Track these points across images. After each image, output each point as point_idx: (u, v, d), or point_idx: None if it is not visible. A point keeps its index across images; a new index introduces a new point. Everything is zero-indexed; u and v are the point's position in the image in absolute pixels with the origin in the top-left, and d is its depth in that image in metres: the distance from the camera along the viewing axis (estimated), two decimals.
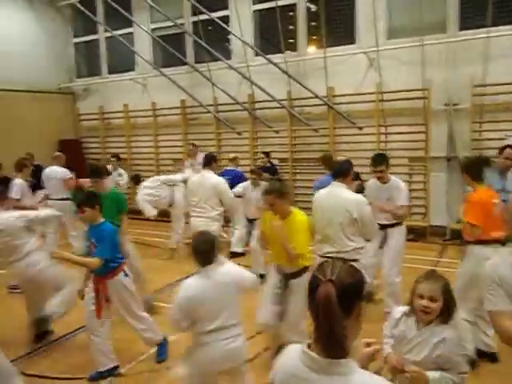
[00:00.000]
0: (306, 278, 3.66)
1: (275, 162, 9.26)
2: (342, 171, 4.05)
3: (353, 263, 1.65)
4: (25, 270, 4.38)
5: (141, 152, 11.42)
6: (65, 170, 7.79)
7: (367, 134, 8.45)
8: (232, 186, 6.83)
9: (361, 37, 8.61)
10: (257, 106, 9.70)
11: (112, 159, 8.87)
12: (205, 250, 2.93)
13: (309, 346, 1.44)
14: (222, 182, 5.83)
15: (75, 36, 12.47)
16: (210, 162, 5.90)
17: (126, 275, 4.02)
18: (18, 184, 6.53)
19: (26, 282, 4.53)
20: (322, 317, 1.37)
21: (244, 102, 9.57)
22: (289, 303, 3.87)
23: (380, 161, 4.90)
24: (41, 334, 4.69)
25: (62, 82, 12.26)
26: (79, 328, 4.75)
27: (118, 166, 8.67)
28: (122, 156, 9.50)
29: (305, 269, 3.78)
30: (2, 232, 4.22)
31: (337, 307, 1.35)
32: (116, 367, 4.01)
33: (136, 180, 7.98)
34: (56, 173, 7.69)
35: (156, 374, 4.10)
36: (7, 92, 10.60)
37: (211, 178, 5.77)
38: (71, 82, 12.46)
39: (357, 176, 5.61)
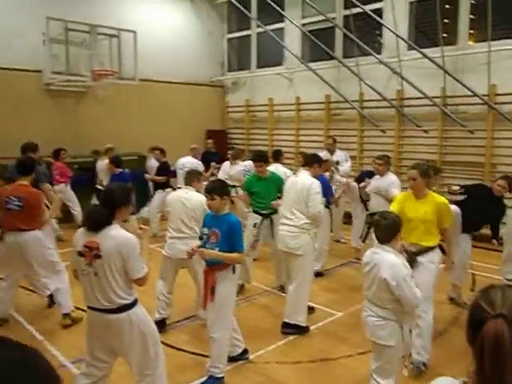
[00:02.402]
0: (432, 256, 3.95)
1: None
2: None
3: None
4: None
5: (282, 145, 11.56)
6: (197, 162, 8.23)
7: None
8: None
9: None
10: (405, 103, 9.18)
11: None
12: None
13: None
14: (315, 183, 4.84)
15: (229, 32, 13.13)
16: (313, 161, 5.09)
17: (234, 272, 3.74)
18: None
19: None
20: (490, 361, 1.10)
21: (392, 99, 9.12)
22: (418, 275, 3.67)
23: None
24: None
25: (214, 76, 13.00)
26: None
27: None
28: (263, 148, 9.73)
29: (433, 248, 3.96)
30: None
31: (510, 351, 1.08)
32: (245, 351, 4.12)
33: None
34: (188, 163, 8.08)
35: (281, 366, 4.09)
36: (167, 84, 11.60)
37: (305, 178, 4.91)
38: (222, 76, 13.15)
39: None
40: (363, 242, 6.11)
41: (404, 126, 9.28)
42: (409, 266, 3.20)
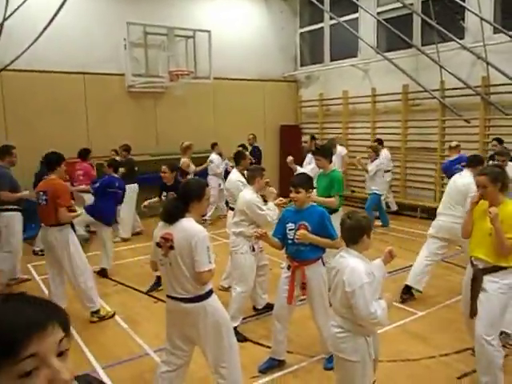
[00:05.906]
0: (503, 278, 3.30)
1: None
2: None
3: None
4: None
5: (356, 138, 11.34)
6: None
7: None
8: None
9: None
10: (492, 90, 8.57)
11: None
12: None
13: None
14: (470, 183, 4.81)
15: (301, 26, 13.00)
16: (477, 162, 5.06)
17: (324, 264, 3.84)
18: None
19: None
20: None
21: (476, 86, 8.55)
22: (480, 304, 3.38)
23: None
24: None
25: (287, 71, 12.96)
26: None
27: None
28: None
29: (504, 269, 3.29)
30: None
31: None
32: (281, 361, 3.99)
33: None
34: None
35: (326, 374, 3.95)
36: (240, 81, 11.73)
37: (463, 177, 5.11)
38: (295, 71, 13.07)
39: None
40: None
41: (491, 115, 8.68)
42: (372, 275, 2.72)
